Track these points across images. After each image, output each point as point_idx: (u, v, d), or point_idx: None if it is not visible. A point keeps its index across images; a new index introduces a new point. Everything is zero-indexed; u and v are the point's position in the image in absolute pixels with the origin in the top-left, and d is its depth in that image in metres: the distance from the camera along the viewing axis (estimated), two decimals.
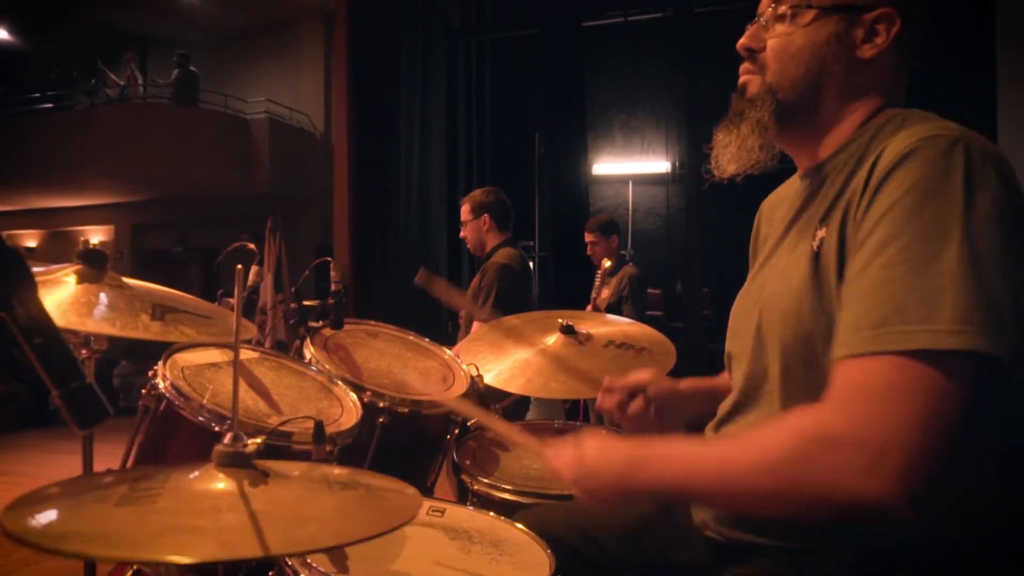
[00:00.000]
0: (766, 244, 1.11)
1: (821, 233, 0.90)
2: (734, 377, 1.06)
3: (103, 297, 1.27)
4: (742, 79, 1.03)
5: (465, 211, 3.23)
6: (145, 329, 1.23)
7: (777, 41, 0.99)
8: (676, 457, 0.86)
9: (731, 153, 1.03)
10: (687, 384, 1.25)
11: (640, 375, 1.23)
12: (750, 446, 0.80)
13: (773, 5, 1.00)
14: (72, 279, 1.28)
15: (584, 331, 1.80)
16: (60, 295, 1.23)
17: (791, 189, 1.10)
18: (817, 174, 0.99)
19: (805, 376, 0.89)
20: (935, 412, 0.71)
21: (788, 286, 0.92)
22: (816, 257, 0.89)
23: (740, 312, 1.07)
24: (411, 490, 0.84)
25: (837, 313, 0.83)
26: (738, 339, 1.05)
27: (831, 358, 0.80)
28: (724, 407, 1.06)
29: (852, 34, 0.95)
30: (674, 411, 1.22)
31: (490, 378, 1.74)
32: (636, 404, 1.22)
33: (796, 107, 0.98)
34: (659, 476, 0.86)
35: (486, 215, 3.19)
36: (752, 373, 0.99)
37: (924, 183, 0.78)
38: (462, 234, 3.28)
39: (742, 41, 1.03)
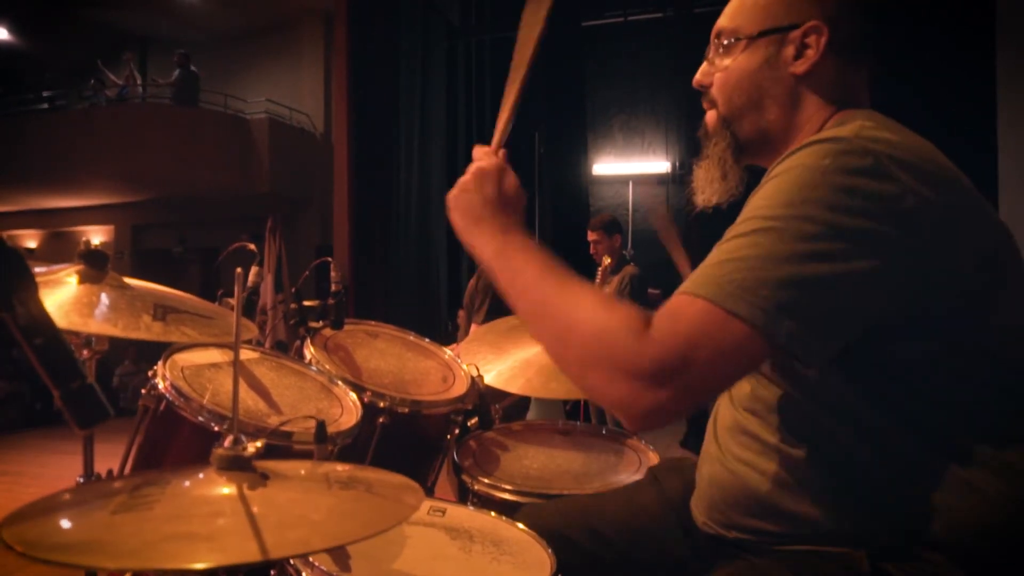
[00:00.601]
0: None
1: None
2: None
3: (104, 298, 1.27)
4: (705, 116, 1.09)
5: None
6: (147, 330, 1.23)
7: (719, 76, 1.05)
8: (522, 256, 0.94)
9: (699, 185, 1.09)
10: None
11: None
12: (590, 302, 0.86)
13: (715, 40, 1.06)
14: (73, 279, 1.27)
15: None
16: (62, 296, 1.23)
17: None
18: None
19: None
20: (709, 360, 0.78)
21: None
22: None
23: None
24: (413, 485, 0.84)
25: None
26: None
27: None
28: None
29: (783, 54, 0.99)
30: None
31: (490, 378, 1.74)
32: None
33: (749, 134, 1.04)
34: (507, 267, 0.94)
35: None
36: None
37: (787, 175, 0.83)
38: None
39: (696, 78, 1.09)
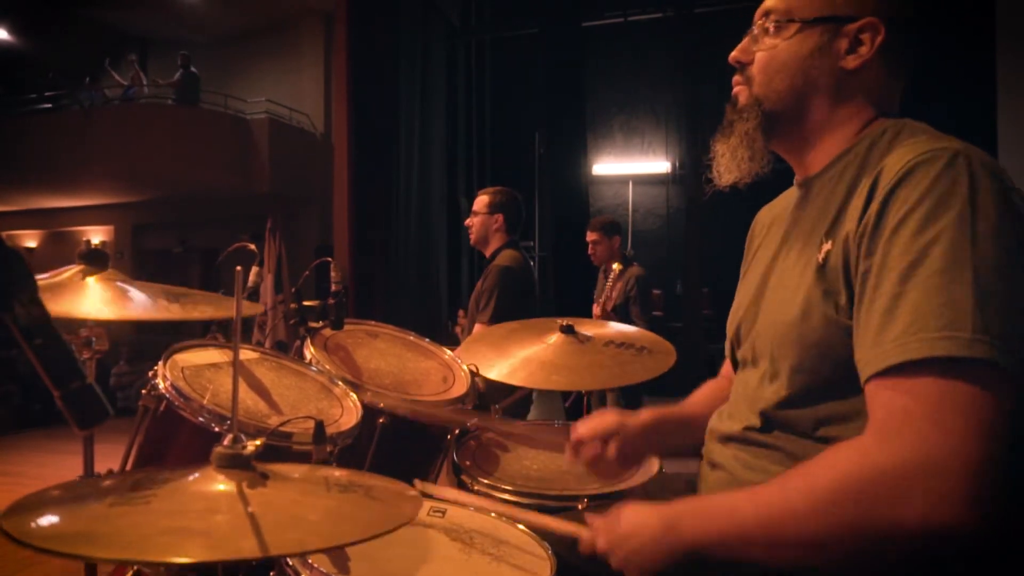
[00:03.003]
0: (759, 253, 1.12)
1: (827, 246, 0.90)
2: (745, 385, 1.05)
3: (133, 289, 1.32)
4: (734, 90, 1.06)
5: (481, 203, 3.21)
6: (167, 311, 1.24)
7: (763, 55, 1.01)
8: (713, 509, 0.84)
9: (724, 163, 1.05)
10: (651, 418, 1.22)
11: (604, 421, 1.20)
12: (793, 489, 0.77)
13: (762, 19, 1.02)
14: (78, 279, 1.29)
15: (584, 331, 1.80)
16: (75, 290, 1.26)
17: (788, 199, 1.11)
18: (813, 185, 1.01)
19: (821, 383, 0.89)
20: (981, 424, 0.69)
21: (792, 297, 0.93)
22: (822, 269, 0.89)
23: (743, 319, 1.08)
24: (412, 492, 0.84)
25: (852, 329, 0.83)
26: (748, 348, 1.05)
27: (862, 383, 0.79)
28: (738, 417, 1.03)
29: (835, 45, 0.97)
30: (646, 448, 1.23)
31: (492, 374, 1.74)
32: (613, 449, 1.19)
33: (782, 118, 1.00)
34: (697, 532, 0.83)
35: (500, 215, 3.18)
36: (768, 380, 0.97)
37: (929, 200, 0.78)
38: (468, 222, 3.26)
39: (733, 54, 1.05)
